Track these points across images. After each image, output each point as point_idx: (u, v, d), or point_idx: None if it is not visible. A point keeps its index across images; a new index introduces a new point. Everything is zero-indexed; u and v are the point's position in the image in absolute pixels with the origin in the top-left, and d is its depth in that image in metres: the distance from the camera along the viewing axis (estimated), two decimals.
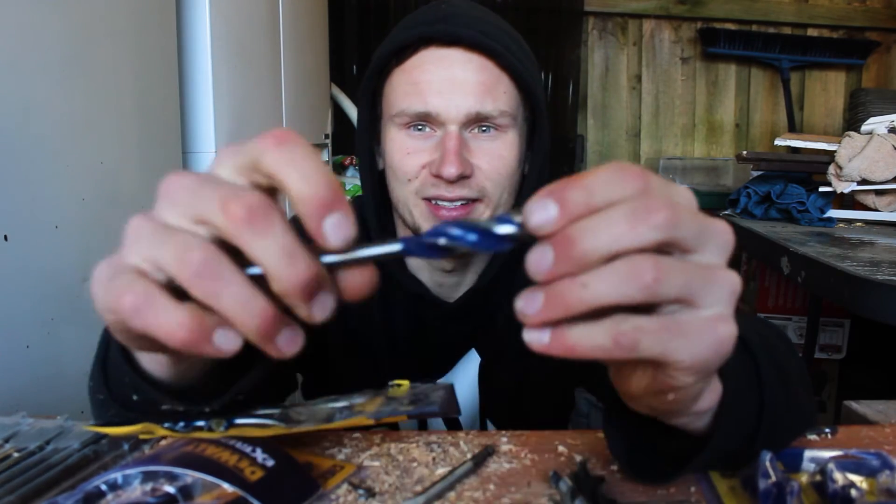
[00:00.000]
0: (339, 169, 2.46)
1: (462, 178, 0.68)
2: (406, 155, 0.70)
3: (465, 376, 0.80)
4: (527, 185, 0.74)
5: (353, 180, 2.40)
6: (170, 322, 0.31)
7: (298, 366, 0.81)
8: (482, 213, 0.71)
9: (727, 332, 0.32)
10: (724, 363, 0.34)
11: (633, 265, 0.29)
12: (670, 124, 2.89)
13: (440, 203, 0.69)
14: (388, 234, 0.79)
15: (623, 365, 0.36)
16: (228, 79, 1.40)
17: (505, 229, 0.32)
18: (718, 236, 0.32)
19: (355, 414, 0.46)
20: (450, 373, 0.80)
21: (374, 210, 0.76)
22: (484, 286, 0.76)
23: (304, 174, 0.31)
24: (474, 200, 0.70)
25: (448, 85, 0.67)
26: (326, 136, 2.17)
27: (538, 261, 0.30)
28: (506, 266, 0.76)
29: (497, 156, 0.69)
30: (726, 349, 0.32)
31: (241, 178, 0.34)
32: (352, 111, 2.51)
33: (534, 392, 0.80)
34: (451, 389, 0.48)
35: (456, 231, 0.33)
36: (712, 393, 0.38)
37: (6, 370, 0.86)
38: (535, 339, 0.31)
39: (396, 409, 0.46)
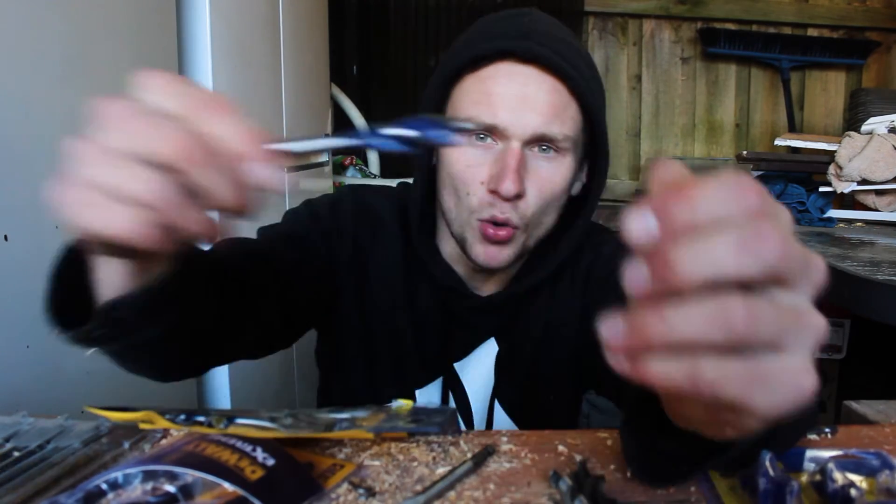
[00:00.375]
0: (339, 169, 2.46)
1: (517, 197, 0.69)
2: (466, 167, 0.70)
3: (482, 363, 0.81)
4: (585, 209, 0.76)
5: (352, 180, 2.40)
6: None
7: (302, 320, 0.79)
8: (519, 238, 0.72)
9: (809, 383, 0.29)
10: None
11: (724, 308, 0.27)
12: (670, 124, 2.89)
13: (490, 221, 0.71)
14: (429, 226, 0.80)
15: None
16: (228, 79, 1.40)
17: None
18: (816, 274, 0.30)
19: (356, 427, 0.46)
20: (467, 358, 0.81)
21: (420, 202, 0.77)
22: (520, 291, 0.78)
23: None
24: (515, 227, 0.71)
25: (520, 101, 0.67)
26: (326, 136, 2.17)
27: (633, 278, 0.29)
28: (543, 275, 0.77)
29: (549, 181, 0.70)
30: (803, 400, 0.29)
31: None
32: (352, 111, 2.51)
33: (547, 386, 0.81)
34: (453, 412, 0.48)
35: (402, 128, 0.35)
36: None
37: (6, 370, 0.86)
38: (617, 364, 0.30)
39: (396, 425, 0.46)
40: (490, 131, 0.69)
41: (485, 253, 0.72)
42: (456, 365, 0.81)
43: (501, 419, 0.82)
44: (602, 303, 0.76)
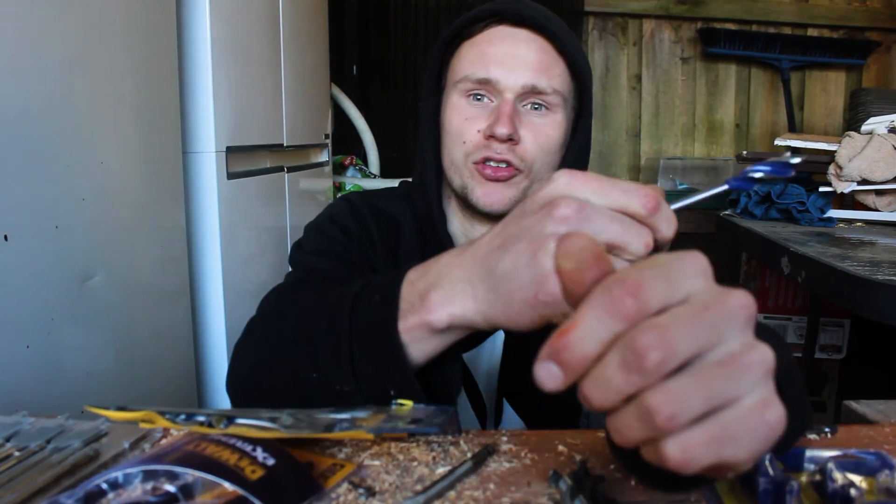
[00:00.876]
0: (339, 169, 2.46)
1: (511, 140, 0.74)
2: (465, 120, 0.76)
3: (492, 355, 0.82)
4: (568, 156, 0.80)
5: (352, 180, 2.40)
6: None
7: None
8: (520, 182, 0.76)
9: (775, 416, 0.29)
10: None
11: (643, 409, 0.29)
12: (670, 124, 2.89)
13: (487, 162, 0.75)
14: (438, 206, 0.83)
15: None
16: (228, 79, 1.40)
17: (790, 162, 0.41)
18: (736, 317, 0.30)
19: (356, 427, 0.46)
20: (476, 350, 0.82)
21: (435, 174, 0.81)
22: None
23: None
24: (516, 169, 0.75)
25: (511, 58, 0.74)
26: (326, 136, 2.17)
27: (544, 378, 0.32)
28: None
29: (543, 132, 0.76)
30: (778, 432, 0.30)
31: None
32: (352, 111, 2.51)
33: None
34: (454, 413, 0.48)
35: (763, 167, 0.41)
36: None
37: (6, 370, 0.86)
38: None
39: (397, 425, 0.46)
40: (485, 86, 0.75)
41: (485, 193, 0.76)
42: (465, 356, 0.82)
43: (508, 413, 0.82)
44: None
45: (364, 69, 2.81)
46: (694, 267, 0.31)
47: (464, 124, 0.76)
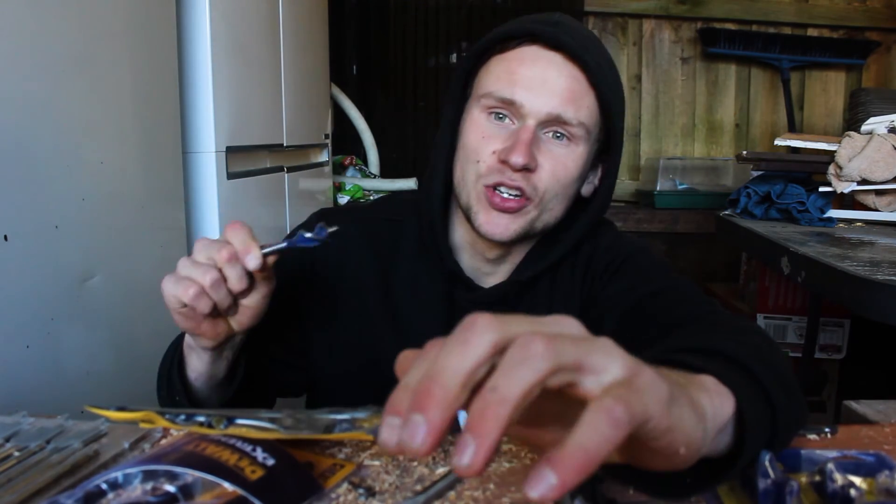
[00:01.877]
0: (339, 169, 2.46)
1: (526, 169, 0.72)
2: (482, 138, 0.74)
3: None
4: (591, 206, 0.80)
5: (352, 180, 2.40)
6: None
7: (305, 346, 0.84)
8: (528, 212, 0.74)
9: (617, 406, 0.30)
10: (729, 379, 0.39)
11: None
12: (670, 124, 2.89)
13: (499, 190, 0.73)
14: (444, 217, 0.83)
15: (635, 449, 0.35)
16: (228, 79, 1.40)
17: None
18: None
19: (355, 428, 0.46)
20: None
21: (442, 182, 0.80)
22: (522, 280, 0.80)
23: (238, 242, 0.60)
24: (528, 199, 0.74)
25: (539, 83, 0.71)
26: (326, 136, 2.17)
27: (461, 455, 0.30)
28: (544, 266, 0.80)
29: (562, 163, 0.73)
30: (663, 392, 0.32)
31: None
32: (352, 111, 2.51)
33: None
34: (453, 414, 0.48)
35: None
36: (713, 420, 0.38)
37: (6, 370, 0.86)
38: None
39: None
40: (508, 108, 0.73)
41: (488, 221, 0.74)
42: None
43: None
44: (601, 295, 0.78)
45: (364, 69, 2.81)
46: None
47: (480, 142, 0.74)
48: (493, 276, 0.82)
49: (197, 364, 0.68)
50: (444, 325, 0.80)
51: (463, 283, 0.80)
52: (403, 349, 0.74)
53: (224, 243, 0.60)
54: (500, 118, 0.74)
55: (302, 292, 0.81)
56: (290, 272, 0.78)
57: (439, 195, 0.80)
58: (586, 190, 0.80)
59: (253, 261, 0.58)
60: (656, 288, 0.73)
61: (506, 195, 0.73)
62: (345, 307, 0.82)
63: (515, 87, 0.72)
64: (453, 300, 0.81)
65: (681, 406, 0.35)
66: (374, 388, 0.82)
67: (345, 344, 0.82)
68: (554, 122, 0.72)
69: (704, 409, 0.38)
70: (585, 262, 0.81)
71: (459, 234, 0.82)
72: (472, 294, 0.81)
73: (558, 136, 0.73)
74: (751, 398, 0.42)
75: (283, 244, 0.61)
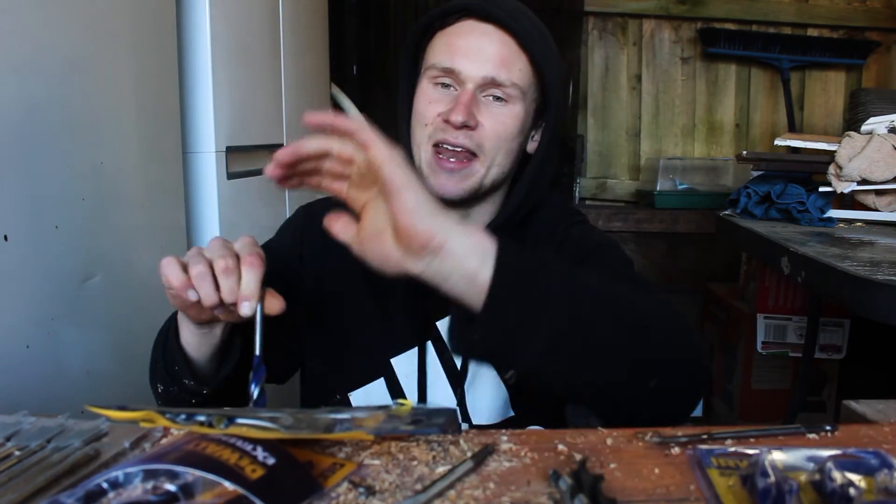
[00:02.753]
0: None
1: (466, 127, 0.79)
2: (428, 103, 0.82)
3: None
4: (534, 159, 0.87)
5: None
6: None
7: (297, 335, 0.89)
8: (478, 170, 0.81)
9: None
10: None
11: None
12: (670, 124, 2.89)
13: (445, 149, 0.80)
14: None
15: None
16: (228, 79, 1.40)
17: None
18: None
19: (355, 428, 0.46)
20: (446, 319, 0.85)
21: (408, 157, 0.85)
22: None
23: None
24: (473, 155, 0.81)
25: (475, 51, 0.80)
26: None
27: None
28: (503, 219, 0.86)
29: (501, 120, 0.81)
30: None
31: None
32: (352, 111, 2.51)
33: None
34: (453, 413, 0.49)
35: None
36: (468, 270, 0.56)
37: (6, 370, 0.86)
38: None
39: (397, 426, 0.46)
40: (449, 75, 0.81)
41: (438, 182, 0.81)
42: (439, 323, 0.85)
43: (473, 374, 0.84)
44: None
45: (364, 69, 2.81)
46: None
47: (427, 107, 0.82)
48: None
49: (187, 335, 0.71)
50: (422, 295, 0.82)
51: None
52: (385, 325, 0.87)
53: (232, 254, 0.64)
54: (446, 87, 0.82)
55: (292, 281, 0.85)
56: (282, 260, 0.85)
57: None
58: (531, 147, 0.88)
59: (246, 309, 0.62)
60: (615, 276, 0.77)
61: (452, 159, 0.80)
62: (331, 288, 0.87)
63: (454, 57, 0.80)
64: None
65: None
66: (362, 367, 0.85)
67: (332, 324, 0.86)
68: (490, 85, 0.80)
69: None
70: (556, 248, 0.88)
71: None
72: None
73: (497, 98, 0.81)
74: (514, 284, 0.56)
75: (258, 354, 0.65)
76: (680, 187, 2.60)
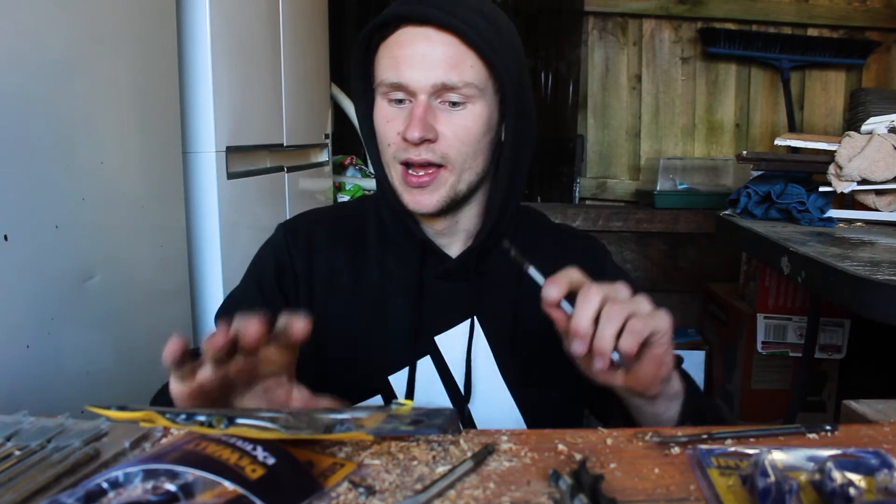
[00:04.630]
0: (339, 169, 2.46)
1: (426, 141, 0.76)
2: (386, 123, 0.79)
3: (459, 338, 0.85)
4: (504, 150, 0.82)
5: (352, 180, 2.40)
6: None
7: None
8: (447, 179, 0.79)
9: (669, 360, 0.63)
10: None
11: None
12: (670, 124, 2.89)
13: (410, 170, 0.79)
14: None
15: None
16: (228, 79, 1.40)
17: None
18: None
19: (356, 428, 0.46)
20: (445, 334, 0.85)
21: (378, 170, 0.85)
22: (478, 246, 0.84)
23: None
24: (439, 167, 0.78)
25: (419, 59, 0.76)
26: (326, 136, 2.17)
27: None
28: (492, 221, 0.84)
29: (461, 125, 0.78)
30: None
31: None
32: (352, 111, 2.51)
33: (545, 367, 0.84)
34: (453, 413, 0.49)
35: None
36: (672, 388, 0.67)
37: (6, 370, 0.86)
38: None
39: (397, 427, 0.46)
40: (400, 90, 0.77)
41: (412, 199, 0.80)
42: (437, 338, 0.85)
43: (477, 390, 0.84)
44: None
45: None
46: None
47: (385, 127, 0.79)
48: (454, 243, 0.87)
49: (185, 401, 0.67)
50: (417, 302, 0.84)
51: (436, 256, 0.85)
52: (380, 341, 0.85)
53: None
54: (400, 102, 0.78)
55: (277, 308, 0.81)
56: (268, 288, 0.85)
57: (386, 186, 0.84)
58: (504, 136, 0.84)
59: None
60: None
61: (420, 173, 0.78)
62: (322, 305, 0.85)
63: (400, 70, 0.76)
64: (423, 277, 0.84)
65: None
66: (359, 383, 0.84)
67: (327, 344, 0.83)
68: (443, 90, 0.76)
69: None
70: (563, 246, 0.91)
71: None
72: (444, 265, 0.85)
73: (454, 104, 0.77)
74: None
75: None
76: (680, 187, 2.60)
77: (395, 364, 0.84)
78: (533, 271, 0.67)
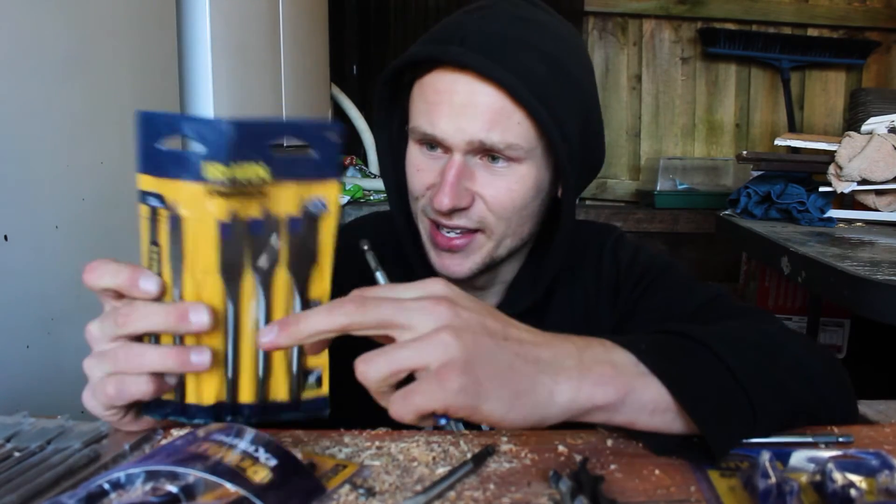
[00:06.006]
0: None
1: (456, 210, 0.66)
2: (416, 171, 0.69)
3: None
4: (563, 214, 0.70)
5: (352, 180, 2.40)
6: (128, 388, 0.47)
7: None
8: (483, 244, 0.69)
9: (448, 383, 0.41)
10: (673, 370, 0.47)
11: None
12: (670, 124, 2.89)
13: (441, 230, 0.68)
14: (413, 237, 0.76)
15: None
16: (228, 79, 1.40)
17: None
18: (421, 310, 0.43)
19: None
20: None
21: (403, 216, 0.75)
22: (518, 312, 0.75)
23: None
24: (474, 231, 0.68)
25: (458, 110, 0.64)
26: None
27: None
28: (540, 292, 0.75)
29: (503, 188, 0.66)
30: (442, 399, 0.41)
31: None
32: (352, 111, 2.51)
33: None
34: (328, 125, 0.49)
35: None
36: (577, 391, 0.46)
37: (6, 370, 0.86)
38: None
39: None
40: (433, 141, 0.66)
41: (440, 262, 0.69)
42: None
43: None
44: (640, 307, 0.73)
45: (364, 69, 2.81)
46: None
47: (416, 176, 0.69)
48: (490, 296, 0.77)
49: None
50: None
51: None
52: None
53: None
54: (433, 148, 0.68)
55: None
56: None
57: (406, 230, 0.75)
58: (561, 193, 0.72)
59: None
60: (701, 300, 0.70)
61: (452, 234, 0.68)
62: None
63: (434, 119, 0.65)
64: None
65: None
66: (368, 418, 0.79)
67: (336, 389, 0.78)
68: (481, 149, 0.65)
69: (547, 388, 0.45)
70: (613, 278, 0.76)
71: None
72: None
73: (494, 159, 0.66)
74: (698, 378, 0.48)
75: None
76: (680, 187, 2.60)
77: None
78: (380, 276, 0.60)
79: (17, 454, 0.48)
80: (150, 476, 0.40)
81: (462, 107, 0.63)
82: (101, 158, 1.04)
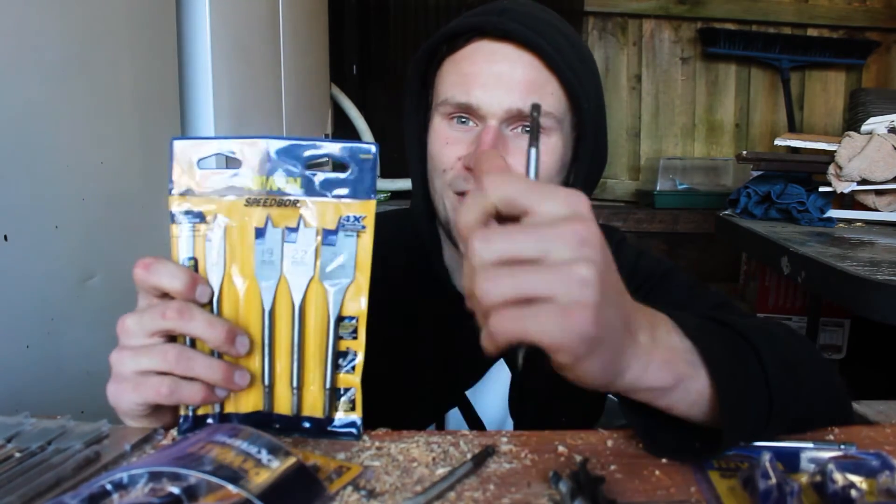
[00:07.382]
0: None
1: None
2: (445, 145, 0.69)
3: (495, 390, 0.79)
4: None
5: None
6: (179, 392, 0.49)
7: None
8: None
9: (581, 316, 0.36)
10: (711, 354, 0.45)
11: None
12: (670, 124, 2.89)
13: None
14: (434, 237, 0.78)
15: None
16: (228, 79, 1.40)
17: None
18: (562, 237, 0.37)
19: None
20: (479, 383, 0.78)
21: (422, 200, 0.75)
22: None
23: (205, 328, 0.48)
24: None
25: (494, 79, 0.66)
26: (326, 136, 2.17)
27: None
28: None
29: None
30: (584, 330, 0.36)
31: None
32: (352, 111, 2.51)
33: (564, 403, 0.78)
34: None
35: None
36: (644, 370, 0.43)
37: (6, 370, 0.86)
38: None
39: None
40: (468, 112, 0.68)
41: None
42: (468, 393, 0.78)
43: None
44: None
45: (364, 69, 2.81)
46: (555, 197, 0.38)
47: (443, 150, 0.69)
48: None
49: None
50: (453, 359, 0.75)
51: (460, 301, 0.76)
52: (409, 396, 0.75)
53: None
54: (463, 121, 0.69)
55: None
56: None
57: (423, 214, 0.75)
58: (572, 179, 0.75)
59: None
60: (705, 306, 0.70)
61: None
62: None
63: (470, 89, 0.66)
64: (452, 329, 0.74)
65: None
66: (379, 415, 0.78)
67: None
68: (517, 118, 0.67)
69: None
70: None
71: (448, 254, 0.78)
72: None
73: (528, 130, 0.67)
74: (736, 375, 0.47)
75: None
76: (680, 187, 2.61)
77: (423, 420, 0.77)
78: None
79: (18, 454, 0.48)
80: (153, 477, 0.40)
81: (500, 76, 0.66)
82: (101, 158, 1.04)
